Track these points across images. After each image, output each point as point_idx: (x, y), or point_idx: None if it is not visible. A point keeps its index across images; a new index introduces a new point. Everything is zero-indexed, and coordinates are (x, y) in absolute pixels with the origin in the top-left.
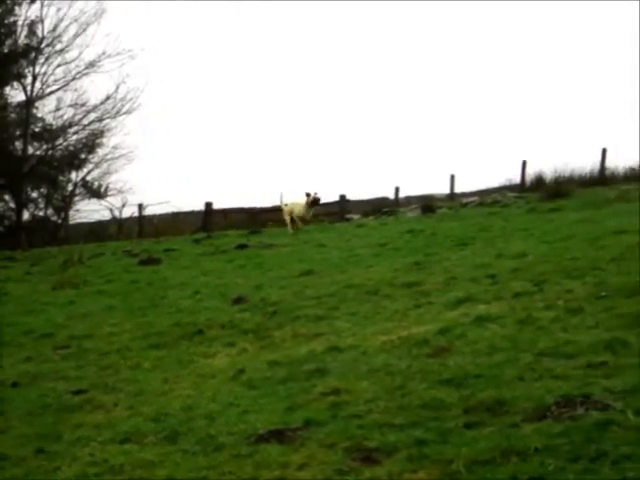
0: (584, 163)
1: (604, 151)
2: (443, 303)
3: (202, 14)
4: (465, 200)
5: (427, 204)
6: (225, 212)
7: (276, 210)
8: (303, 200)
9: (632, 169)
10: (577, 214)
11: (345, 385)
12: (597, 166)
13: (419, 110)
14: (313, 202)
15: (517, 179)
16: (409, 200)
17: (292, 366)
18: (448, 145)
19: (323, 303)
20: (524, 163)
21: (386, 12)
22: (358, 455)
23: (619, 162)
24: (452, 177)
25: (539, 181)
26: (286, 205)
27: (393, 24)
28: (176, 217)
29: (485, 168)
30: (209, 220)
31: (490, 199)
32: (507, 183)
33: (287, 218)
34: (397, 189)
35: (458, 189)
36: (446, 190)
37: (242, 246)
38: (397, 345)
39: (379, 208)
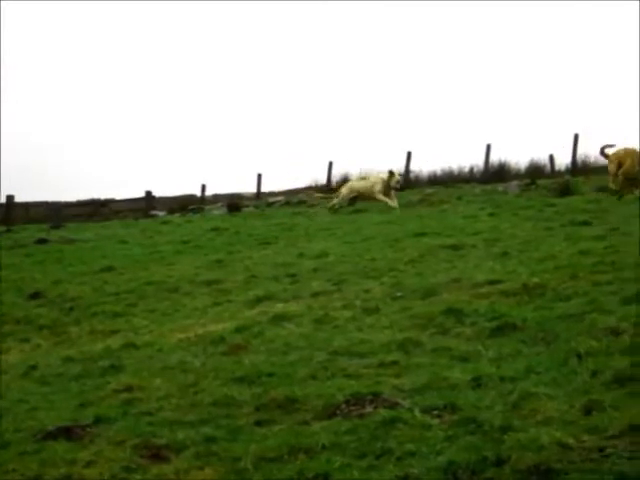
0: (389, 166)
1: (409, 154)
2: (242, 301)
3: None
4: (271, 199)
5: (233, 202)
6: (27, 206)
7: (82, 205)
8: (379, 177)
9: (435, 173)
10: (380, 216)
11: (139, 382)
12: (402, 169)
13: (228, 108)
14: (395, 188)
15: (324, 179)
16: (217, 198)
17: (86, 362)
18: (257, 144)
19: (122, 299)
20: (330, 164)
21: None
22: (146, 452)
23: (423, 166)
24: (259, 176)
25: (344, 182)
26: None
27: None
28: None
29: (293, 168)
30: (10, 214)
31: (296, 199)
32: (314, 183)
33: (344, 197)
34: (203, 186)
35: (266, 188)
36: (254, 189)
37: (42, 240)
38: (194, 343)
39: (186, 205)
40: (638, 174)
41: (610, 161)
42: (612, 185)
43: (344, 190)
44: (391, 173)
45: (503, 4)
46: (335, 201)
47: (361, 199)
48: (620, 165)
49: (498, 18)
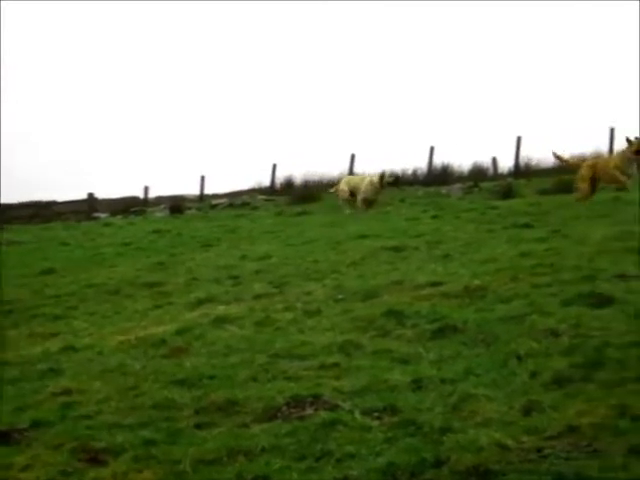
0: (333, 168)
1: (352, 157)
2: (184, 304)
3: None
4: (215, 202)
5: (176, 204)
6: None
7: (23, 207)
8: (373, 176)
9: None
10: (323, 218)
11: (78, 385)
12: (346, 171)
13: (171, 110)
14: (390, 183)
15: (268, 182)
16: (160, 200)
17: (25, 366)
18: (201, 146)
19: (62, 302)
20: (274, 166)
21: None
22: (84, 456)
23: (366, 168)
24: (202, 178)
25: (288, 184)
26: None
27: None
28: None
29: (237, 170)
30: None
31: (240, 201)
32: (258, 186)
33: (344, 193)
34: (146, 188)
35: (209, 190)
36: (197, 191)
37: None
38: (134, 345)
39: (128, 207)
40: (628, 168)
41: (582, 179)
42: (580, 195)
43: (342, 186)
44: (381, 176)
45: (441, 7)
46: (341, 202)
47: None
48: (595, 176)
49: (439, 20)
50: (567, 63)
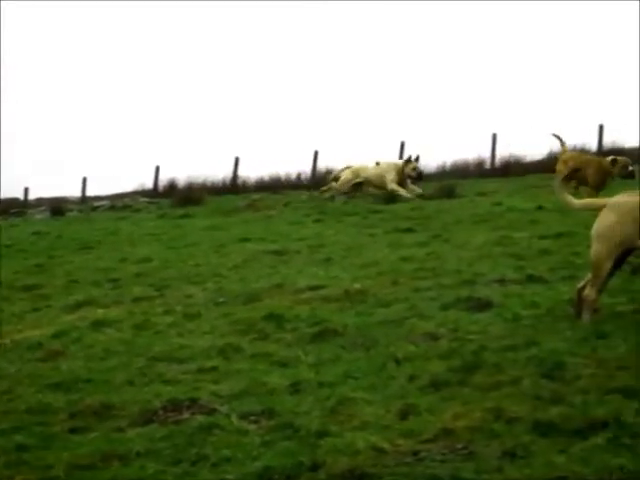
0: (217, 171)
1: (237, 160)
2: (62, 306)
3: None
4: (96, 204)
5: (56, 206)
6: None
7: None
8: (392, 164)
9: (263, 179)
10: (206, 221)
11: None
12: (230, 174)
13: (49, 111)
14: (411, 177)
15: (150, 184)
16: (40, 202)
17: None
18: (82, 147)
19: None
20: (157, 168)
21: None
22: None
23: (251, 171)
24: (84, 180)
25: (172, 187)
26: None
27: None
28: None
29: (120, 172)
30: None
31: (122, 203)
32: (140, 188)
33: (347, 183)
34: (26, 190)
35: (92, 192)
36: (79, 193)
37: None
38: (10, 349)
39: (8, 209)
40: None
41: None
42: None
43: (346, 174)
44: (408, 160)
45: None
46: (334, 185)
47: (367, 188)
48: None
49: (312, 27)
50: (446, 69)
